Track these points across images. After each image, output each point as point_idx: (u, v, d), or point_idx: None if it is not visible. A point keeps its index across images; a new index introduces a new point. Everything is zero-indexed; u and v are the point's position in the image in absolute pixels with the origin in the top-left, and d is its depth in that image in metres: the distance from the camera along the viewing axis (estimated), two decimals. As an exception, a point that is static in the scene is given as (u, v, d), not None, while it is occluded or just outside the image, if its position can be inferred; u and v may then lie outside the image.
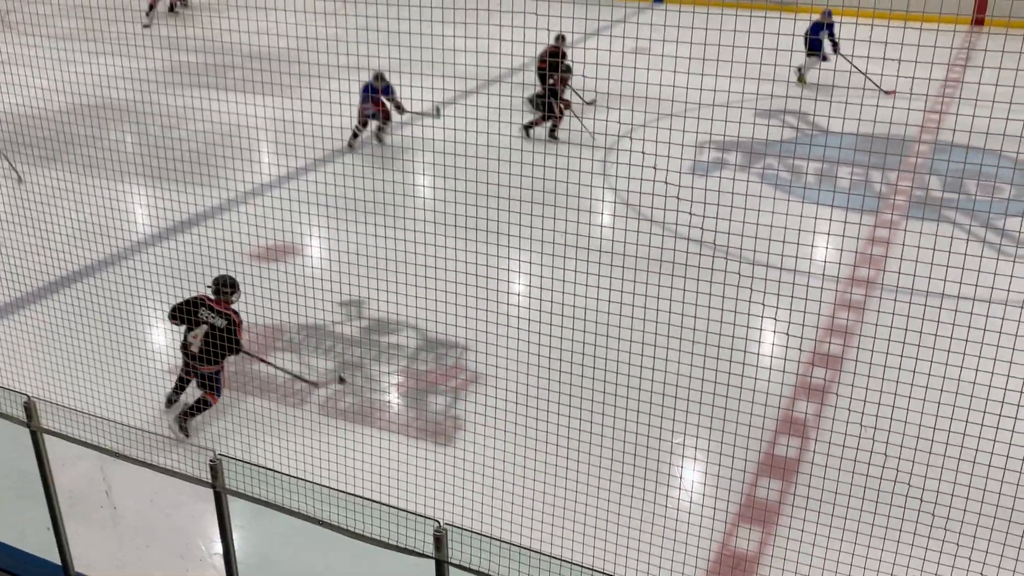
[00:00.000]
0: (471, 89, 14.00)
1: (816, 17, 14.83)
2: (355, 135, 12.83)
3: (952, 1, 18.94)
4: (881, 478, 5.31)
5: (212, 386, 6.77)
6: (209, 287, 6.85)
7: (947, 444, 5.26)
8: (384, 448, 6.25)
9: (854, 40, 10.30)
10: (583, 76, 12.59)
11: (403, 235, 8.96)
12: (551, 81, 13.16)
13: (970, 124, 11.83)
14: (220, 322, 6.66)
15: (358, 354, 7.59)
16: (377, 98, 12.60)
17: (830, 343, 7.69)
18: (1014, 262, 8.98)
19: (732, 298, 6.60)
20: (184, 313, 6.70)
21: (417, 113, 12.08)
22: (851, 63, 12.40)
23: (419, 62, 12.13)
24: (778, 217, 8.87)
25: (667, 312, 6.51)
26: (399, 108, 12.73)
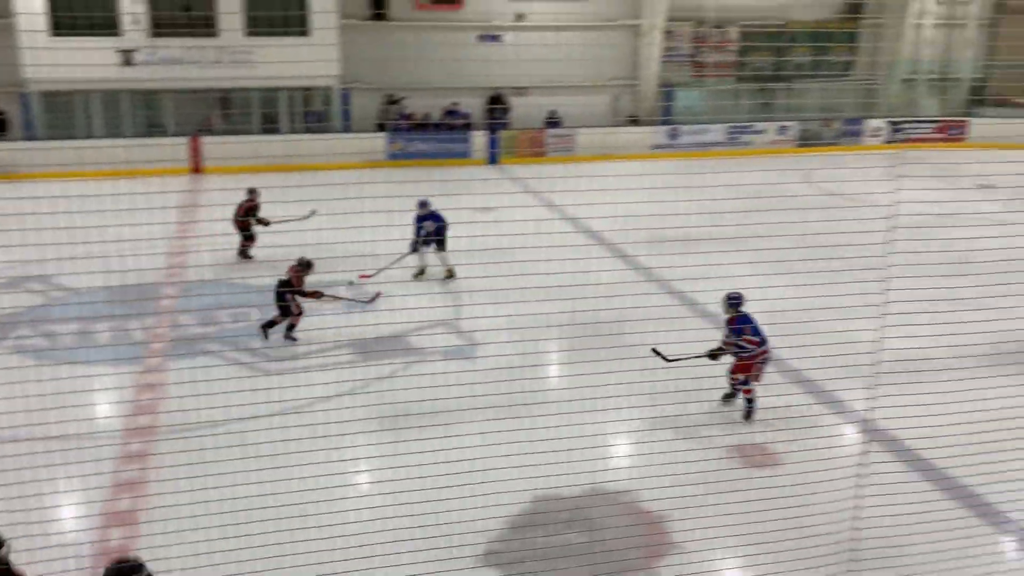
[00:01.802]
0: None
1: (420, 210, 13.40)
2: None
3: (169, 151, 20.32)
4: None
5: None
6: None
7: (263, 558, 5.58)
8: None
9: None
10: None
11: None
12: (286, 276, 11.03)
13: (209, 262, 12.66)
14: None
15: None
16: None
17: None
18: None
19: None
20: None
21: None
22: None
23: None
24: (42, 384, 8.44)
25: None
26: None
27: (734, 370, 9.13)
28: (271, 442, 6.67)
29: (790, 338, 10.73)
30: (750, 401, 9.08)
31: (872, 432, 8.44)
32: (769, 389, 9.33)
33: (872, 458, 7.70)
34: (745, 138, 25.95)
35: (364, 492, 7.53)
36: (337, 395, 9.30)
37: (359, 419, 8.54)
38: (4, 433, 8.04)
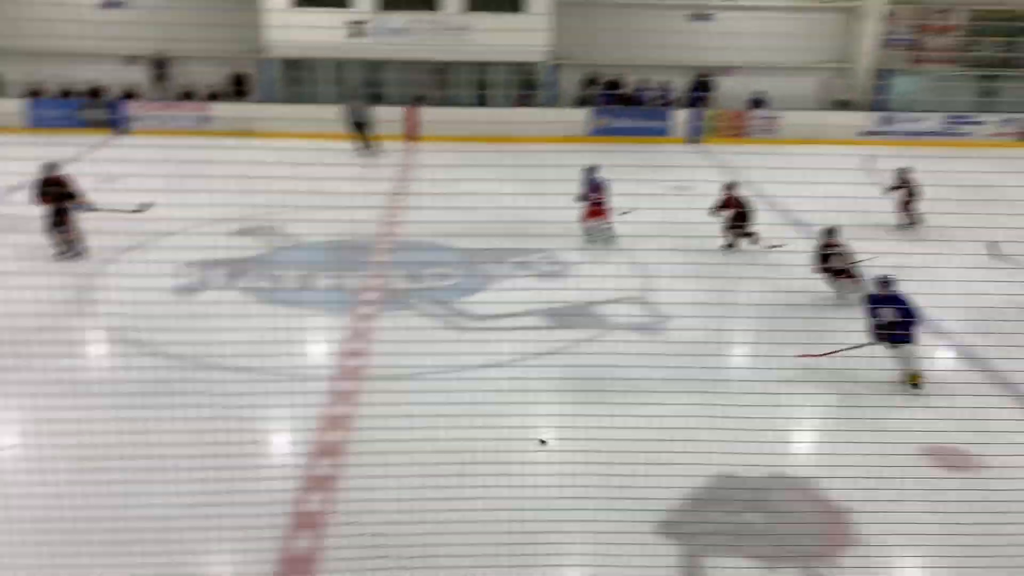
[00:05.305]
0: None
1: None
2: None
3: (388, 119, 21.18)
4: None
5: None
6: None
7: (449, 509, 5.81)
8: None
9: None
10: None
11: None
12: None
13: (419, 225, 13.09)
14: None
15: None
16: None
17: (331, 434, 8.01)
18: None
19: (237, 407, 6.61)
20: None
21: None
22: None
23: None
24: (268, 329, 9.12)
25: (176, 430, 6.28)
26: None
27: None
28: (464, 391, 6.91)
29: (994, 336, 9.96)
30: None
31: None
32: (967, 389, 8.71)
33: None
34: (964, 129, 24.04)
35: (549, 451, 7.66)
36: (526, 358, 9.48)
37: (550, 380, 8.70)
38: (226, 363, 8.77)
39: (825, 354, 8.85)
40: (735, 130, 23.69)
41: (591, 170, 14.00)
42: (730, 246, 13.56)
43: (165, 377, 8.63)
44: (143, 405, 7.67)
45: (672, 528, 6.72)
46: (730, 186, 13.68)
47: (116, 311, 9.65)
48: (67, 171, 12.63)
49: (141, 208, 11.97)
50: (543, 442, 7.53)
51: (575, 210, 13.95)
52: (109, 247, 12.30)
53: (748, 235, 13.46)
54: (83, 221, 12.43)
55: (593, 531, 5.90)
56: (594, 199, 13.86)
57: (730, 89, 24.75)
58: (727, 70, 24.66)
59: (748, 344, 10.50)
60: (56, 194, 12.28)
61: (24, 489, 6.44)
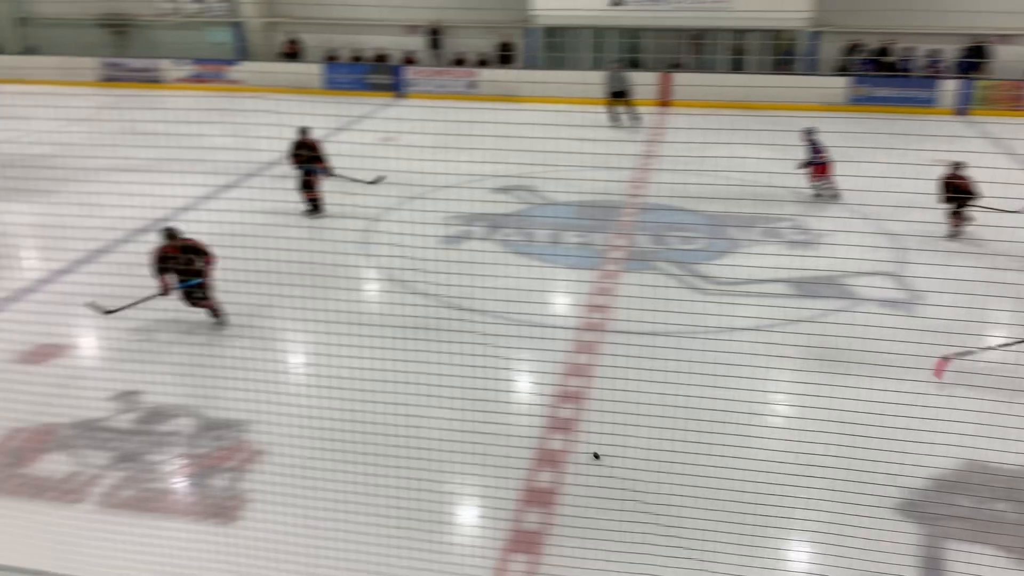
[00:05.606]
0: (229, 183, 13.76)
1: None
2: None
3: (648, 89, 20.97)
4: (628, 499, 5.74)
5: None
6: None
7: (681, 463, 5.79)
8: (170, 535, 5.96)
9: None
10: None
11: (174, 325, 8.58)
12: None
13: (667, 188, 12.93)
14: None
15: (133, 446, 7.16)
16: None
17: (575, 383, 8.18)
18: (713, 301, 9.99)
19: (486, 347, 6.90)
20: None
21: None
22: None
23: (177, 160, 11.71)
24: (521, 279, 9.41)
25: (442, 368, 6.71)
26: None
27: None
28: (705, 351, 6.80)
29: None
30: None
31: None
32: None
33: None
34: None
35: (785, 420, 7.40)
36: (771, 324, 9.16)
37: (794, 347, 8.36)
38: (483, 307, 9.16)
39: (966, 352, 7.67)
40: (1011, 102, 21.27)
41: (810, 132, 13.74)
42: (955, 228, 12.13)
43: (432, 315, 9.19)
44: (413, 338, 8.22)
45: (914, 506, 6.30)
46: (957, 165, 12.22)
47: (392, 255, 10.36)
48: (316, 136, 13.28)
49: (376, 180, 12.59)
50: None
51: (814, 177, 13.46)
52: (393, 196, 13.16)
53: (968, 217, 12.03)
54: (326, 183, 13.11)
55: (831, 500, 5.64)
56: (817, 160, 13.67)
57: (1008, 58, 22.20)
58: (1005, 38, 22.12)
59: (1000, 325, 9.51)
60: (306, 156, 12.92)
61: (320, 401, 7.11)
